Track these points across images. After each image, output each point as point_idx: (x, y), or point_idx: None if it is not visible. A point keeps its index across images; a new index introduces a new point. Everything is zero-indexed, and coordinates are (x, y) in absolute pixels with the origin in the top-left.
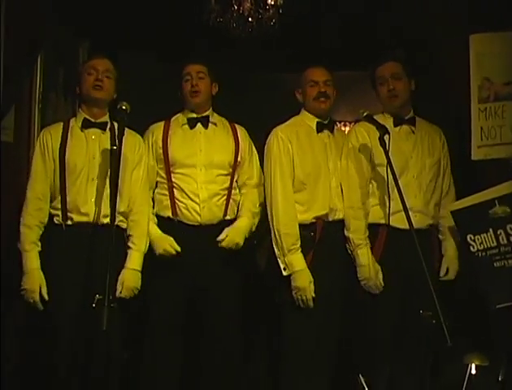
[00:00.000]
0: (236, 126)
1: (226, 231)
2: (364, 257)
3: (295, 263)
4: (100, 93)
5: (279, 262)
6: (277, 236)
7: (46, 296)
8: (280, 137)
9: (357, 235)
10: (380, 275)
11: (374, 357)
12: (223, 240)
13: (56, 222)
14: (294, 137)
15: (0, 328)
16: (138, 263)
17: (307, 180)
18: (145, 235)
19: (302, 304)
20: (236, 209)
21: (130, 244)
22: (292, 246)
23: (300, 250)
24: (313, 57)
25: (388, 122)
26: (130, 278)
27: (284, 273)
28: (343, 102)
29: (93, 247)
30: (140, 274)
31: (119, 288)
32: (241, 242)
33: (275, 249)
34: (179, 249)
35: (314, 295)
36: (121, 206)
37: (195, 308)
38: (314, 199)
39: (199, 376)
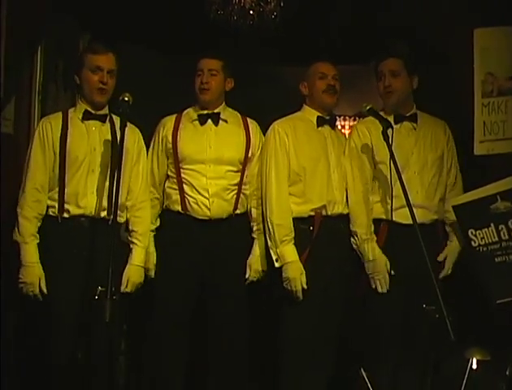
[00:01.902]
0: (248, 120)
1: (248, 265)
2: (371, 251)
3: (287, 255)
4: (102, 97)
5: (272, 253)
6: (270, 228)
7: (45, 290)
8: (277, 131)
9: (363, 229)
10: (388, 266)
11: (376, 351)
12: (249, 277)
13: (51, 214)
14: (291, 131)
15: (0, 325)
16: (142, 259)
17: (303, 173)
18: (148, 230)
19: (292, 295)
20: (246, 202)
21: (134, 240)
22: (284, 237)
23: (292, 242)
24: (314, 50)
25: (388, 118)
26: (135, 274)
27: (277, 264)
28: (343, 96)
29: (91, 240)
30: (143, 269)
31: (124, 283)
32: (264, 267)
33: (268, 241)
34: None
35: (305, 286)
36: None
37: (203, 303)
38: (311, 191)
39: (206, 372)
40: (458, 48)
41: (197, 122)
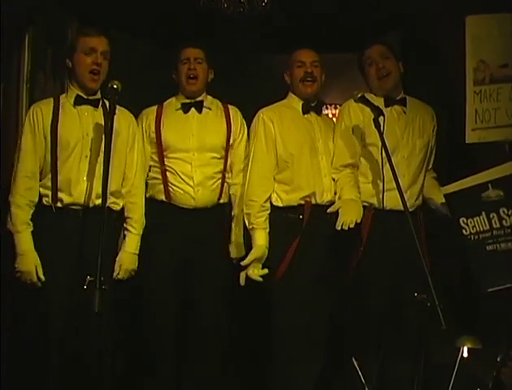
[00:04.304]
0: (229, 107)
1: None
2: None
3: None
4: (95, 83)
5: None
6: (244, 214)
7: (43, 277)
8: (262, 119)
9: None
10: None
11: (366, 339)
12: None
13: (45, 203)
14: (277, 118)
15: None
16: (136, 246)
17: (290, 160)
18: (143, 217)
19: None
20: (228, 192)
21: (129, 227)
22: (250, 225)
23: (262, 227)
24: (304, 38)
25: (378, 103)
26: (128, 261)
27: None
28: (334, 85)
29: (85, 229)
30: (137, 256)
31: (116, 269)
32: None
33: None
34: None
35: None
36: (112, 186)
37: (188, 293)
38: (299, 178)
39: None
40: (450, 36)
41: (180, 111)
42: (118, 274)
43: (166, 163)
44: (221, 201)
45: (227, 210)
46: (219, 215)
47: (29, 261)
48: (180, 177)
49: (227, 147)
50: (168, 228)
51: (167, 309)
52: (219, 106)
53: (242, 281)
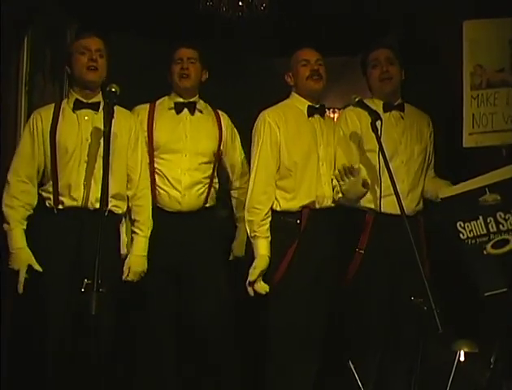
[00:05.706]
0: (220, 113)
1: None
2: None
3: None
4: (94, 74)
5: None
6: (245, 221)
7: (40, 269)
8: (268, 122)
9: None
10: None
11: (364, 343)
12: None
13: (48, 205)
14: (282, 122)
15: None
16: (145, 249)
17: (294, 168)
18: (149, 219)
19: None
20: (215, 196)
21: (136, 229)
22: (253, 233)
23: (264, 236)
24: (303, 41)
25: (377, 108)
26: (137, 263)
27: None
28: (332, 89)
29: (85, 231)
30: (146, 258)
31: (125, 271)
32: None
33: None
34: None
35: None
36: (113, 188)
37: (177, 296)
38: (301, 187)
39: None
40: (447, 40)
41: (173, 111)
42: (127, 276)
43: (155, 165)
44: (207, 205)
45: (214, 213)
46: (205, 219)
47: (20, 259)
48: (169, 181)
49: (218, 153)
50: (154, 231)
51: (158, 310)
52: (211, 111)
53: (252, 293)
